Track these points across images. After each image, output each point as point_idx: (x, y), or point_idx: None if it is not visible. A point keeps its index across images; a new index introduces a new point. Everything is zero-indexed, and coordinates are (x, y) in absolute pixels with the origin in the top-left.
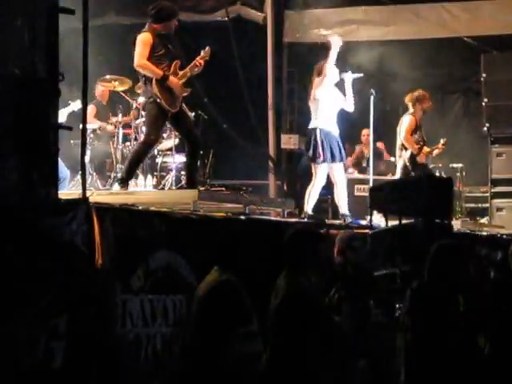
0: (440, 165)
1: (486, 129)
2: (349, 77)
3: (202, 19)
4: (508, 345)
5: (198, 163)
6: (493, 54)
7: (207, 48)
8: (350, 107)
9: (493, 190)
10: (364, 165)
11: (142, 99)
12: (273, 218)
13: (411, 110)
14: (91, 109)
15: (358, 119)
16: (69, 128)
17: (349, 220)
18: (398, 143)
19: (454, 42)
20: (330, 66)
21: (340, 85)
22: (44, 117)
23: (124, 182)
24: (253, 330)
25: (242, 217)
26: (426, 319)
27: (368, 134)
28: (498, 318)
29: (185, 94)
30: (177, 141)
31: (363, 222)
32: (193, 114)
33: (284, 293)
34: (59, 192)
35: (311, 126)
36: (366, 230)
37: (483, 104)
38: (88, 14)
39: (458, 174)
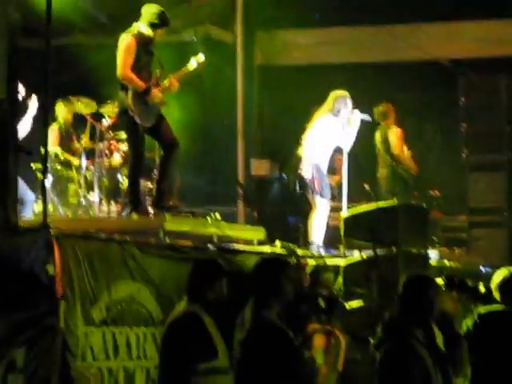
0: (416, 193)
1: (464, 155)
2: (356, 116)
3: (170, 39)
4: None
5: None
6: (471, 77)
7: (201, 55)
8: (347, 146)
9: (471, 220)
10: (336, 192)
11: (105, 122)
12: (242, 247)
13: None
14: (54, 132)
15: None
16: (28, 152)
17: (318, 249)
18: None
19: (431, 64)
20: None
21: None
22: (2, 139)
23: (133, 207)
24: (218, 366)
25: (211, 246)
26: (394, 354)
27: (341, 159)
28: (483, 356)
29: (162, 105)
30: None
31: (336, 252)
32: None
33: (250, 325)
34: (23, 216)
35: (304, 158)
36: (339, 261)
37: (461, 129)
38: (50, 33)
39: (435, 203)
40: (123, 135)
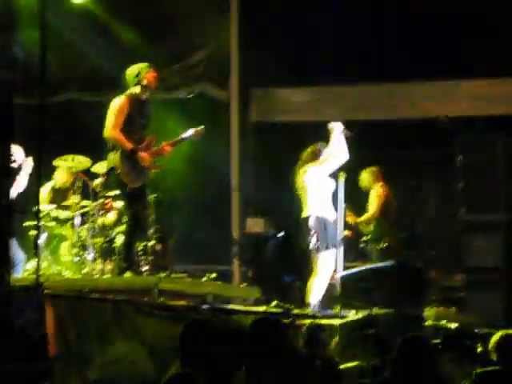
0: (412, 252)
1: (460, 214)
2: (338, 128)
3: (165, 96)
4: None
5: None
6: (469, 135)
7: (201, 127)
8: (344, 156)
9: (467, 279)
10: None
11: (99, 180)
12: (237, 307)
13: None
14: (48, 190)
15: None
16: (22, 212)
17: (315, 309)
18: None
19: (428, 122)
20: (333, 152)
21: None
22: None
23: (130, 268)
24: None
25: (205, 306)
26: None
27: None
28: None
29: (154, 170)
30: None
31: (331, 312)
32: (153, 196)
33: None
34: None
35: (304, 214)
36: (335, 320)
37: (458, 188)
38: (44, 89)
39: (432, 261)
40: (117, 192)
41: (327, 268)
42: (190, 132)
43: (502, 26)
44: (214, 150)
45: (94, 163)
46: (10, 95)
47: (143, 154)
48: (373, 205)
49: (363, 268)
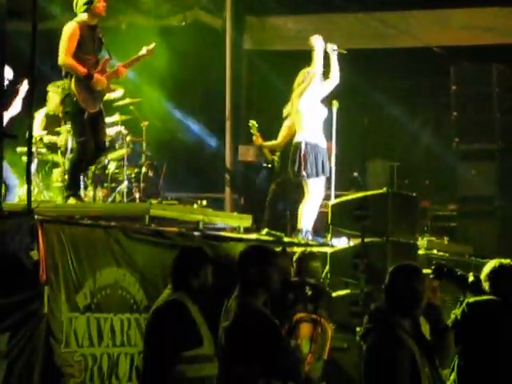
0: (406, 181)
1: (454, 144)
2: (332, 49)
3: (159, 23)
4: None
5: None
6: (463, 65)
7: (152, 44)
8: (335, 80)
9: (461, 209)
10: None
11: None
12: (228, 235)
13: None
14: (41, 116)
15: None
16: (13, 136)
17: (306, 237)
18: None
19: (422, 52)
20: (319, 70)
21: None
22: None
23: (74, 195)
24: (203, 354)
25: (196, 233)
26: (381, 344)
27: (330, 146)
28: (470, 346)
29: (111, 94)
30: (129, 150)
31: (323, 240)
32: (146, 122)
33: (235, 314)
34: (7, 200)
35: (296, 139)
36: (326, 249)
37: (452, 117)
38: (37, 16)
39: (425, 191)
40: (110, 120)
41: (317, 194)
42: (143, 51)
43: None
44: (207, 79)
45: None
46: (2, 19)
47: (98, 77)
48: (282, 134)
49: (355, 196)
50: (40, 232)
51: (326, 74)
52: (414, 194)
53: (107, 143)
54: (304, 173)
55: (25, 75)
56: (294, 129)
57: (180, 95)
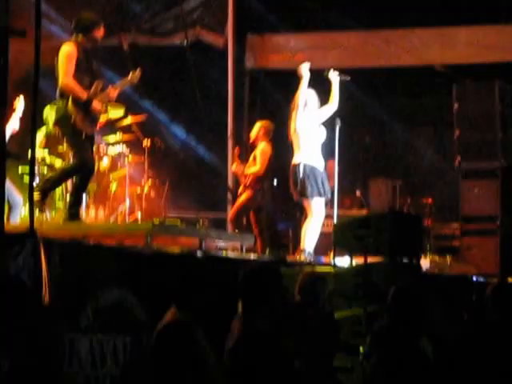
0: (408, 200)
1: (457, 162)
2: (335, 76)
3: (161, 43)
4: None
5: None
6: (466, 83)
7: (138, 70)
8: (333, 106)
9: (463, 228)
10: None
11: None
12: (230, 255)
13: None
14: (41, 136)
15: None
16: (16, 156)
17: (308, 257)
18: None
19: (425, 70)
20: (303, 96)
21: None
22: None
23: (76, 215)
24: (208, 374)
25: (199, 253)
26: (384, 366)
27: (333, 165)
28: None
29: (103, 115)
30: (131, 169)
31: (326, 260)
32: (148, 141)
33: (238, 334)
34: (12, 220)
35: (294, 161)
36: (329, 269)
37: (455, 136)
38: (40, 33)
39: (428, 209)
40: (111, 139)
41: (319, 215)
42: (129, 77)
43: None
44: (209, 98)
45: None
46: (6, 41)
47: (95, 103)
48: (258, 160)
49: (358, 215)
50: (42, 253)
51: (326, 98)
52: (417, 214)
53: (109, 163)
54: (307, 193)
55: (23, 93)
56: (269, 152)
57: (182, 114)
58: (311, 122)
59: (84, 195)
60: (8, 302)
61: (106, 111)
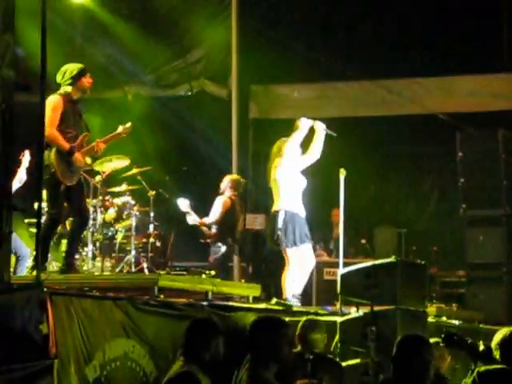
0: (414, 247)
1: (462, 210)
2: (320, 127)
3: (165, 94)
4: None
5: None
6: (469, 131)
7: (128, 124)
8: (315, 156)
9: (469, 275)
10: (331, 246)
11: (98, 177)
12: (238, 304)
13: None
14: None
15: (326, 199)
16: (23, 210)
17: (293, 301)
18: None
19: (427, 118)
20: (295, 147)
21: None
22: None
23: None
24: None
25: (205, 303)
26: None
27: (338, 214)
28: None
29: (86, 168)
30: (136, 220)
31: (333, 309)
32: (153, 192)
33: None
34: (19, 272)
35: (274, 208)
36: (336, 318)
37: (459, 184)
38: (45, 86)
39: (433, 257)
40: (116, 189)
41: (302, 262)
42: (119, 129)
43: (503, 22)
44: (214, 148)
45: (93, 161)
46: (12, 95)
47: (77, 155)
48: (213, 210)
49: (364, 264)
50: (49, 305)
51: (308, 147)
52: (423, 262)
53: (114, 213)
54: (284, 242)
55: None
56: (228, 204)
57: (187, 164)
58: (293, 170)
59: (90, 246)
60: (15, 354)
61: (89, 165)
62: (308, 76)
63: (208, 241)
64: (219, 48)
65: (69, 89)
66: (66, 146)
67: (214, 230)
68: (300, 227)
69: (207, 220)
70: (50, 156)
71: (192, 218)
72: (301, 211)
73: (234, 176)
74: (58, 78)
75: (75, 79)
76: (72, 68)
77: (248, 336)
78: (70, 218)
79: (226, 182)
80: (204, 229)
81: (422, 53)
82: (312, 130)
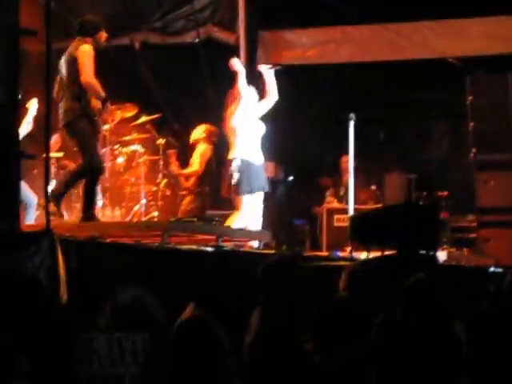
0: (424, 193)
1: (472, 154)
2: (266, 70)
3: (172, 41)
4: None
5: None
6: (479, 75)
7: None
8: (272, 99)
9: (480, 220)
10: (342, 193)
11: (107, 126)
12: (248, 250)
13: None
14: (55, 139)
15: (337, 145)
16: (32, 157)
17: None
18: None
19: (438, 62)
20: (243, 91)
21: None
22: (4, 145)
23: (90, 217)
24: (227, 370)
25: (215, 249)
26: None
27: (347, 160)
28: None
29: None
30: (146, 169)
31: (343, 254)
32: (163, 140)
33: (257, 329)
34: (27, 220)
35: (230, 156)
36: (346, 263)
37: (469, 128)
38: (51, 35)
39: (444, 202)
40: (126, 139)
41: (250, 211)
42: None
43: None
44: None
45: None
46: (17, 41)
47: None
48: (196, 161)
49: (374, 208)
50: (60, 252)
51: (262, 92)
52: (433, 204)
53: (124, 162)
54: (238, 190)
55: (34, 94)
56: (209, 154)
57: (194, 111)
58: (249, 117)
59: (100, 195)
60: (25, 301)
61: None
62: (316, 20)
63: (183, 193)
64: None
65: (89, 40)
66: (103, 93)
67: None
68: (256, 175)
69: (192, 169)
70: (92, 105)
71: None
72: (257, 159)
73: (209, 126)
74: (78, 27)
75: (94, 33)
76: (91, 21)
77: (259, 279)
78: None
79: (201, 132)
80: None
81: None
82: (261, 77)
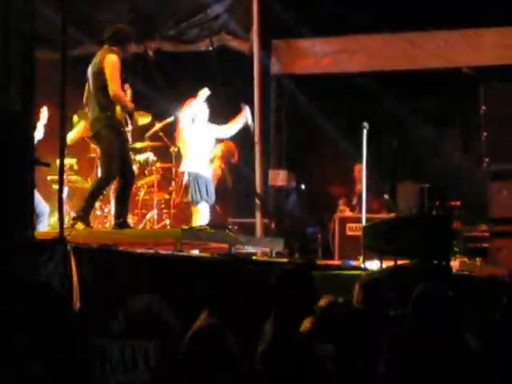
0: (437, 202)
1: (485, 164)
2: (246, 113)
3: (186, 49)
4: None
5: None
6: (493, 85)
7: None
8: (230, 132)
9: (492, 230)
10: (354, 202)
11: None
12: (261, 259)
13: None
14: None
15: (349, 154)
16: (46, 164)
17: None
18: None
19: (451, 72)
20: (187, 112)
21: None
22: (19, 152)
23: (84, 220)
24: (239, 378)
25: (229, 258)
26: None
27: (361, 169)
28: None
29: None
30: (158, 177)
31: (356, 263)
32: (176, 148)
33: (270, 337)
34: (39, 229)
35: (181, 168)
36: (359, 272)
37: (483, 138)
38: (67, 43)
39: (456, 212)
40: (139, 146)
41: (203, 220)
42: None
43: None
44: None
45: None
46: (33, 49)
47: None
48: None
49: (387, 218)
50: (73, 259)
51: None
52: (446, 215)
53: (136, 170)
54: (193, 200)
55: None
56: (219, 172)
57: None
58: (199, 134)
59: (112, 202)
60: (39, 308)
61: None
62: (330, 29)
63: None
64: (240, 2)
65: (116, 48)
66: (131, 105)
67: None
68: (204, 185)
69: None
70: (119, 116)
71: None
72: (204, 171)
73: (226, 146)
74: (106, 35)
75: (124, 42)
76: (123, 30)
77: (273, 287)
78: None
79: (217, 151)
80: None
81: (446, 5)
82: (240, 110)
